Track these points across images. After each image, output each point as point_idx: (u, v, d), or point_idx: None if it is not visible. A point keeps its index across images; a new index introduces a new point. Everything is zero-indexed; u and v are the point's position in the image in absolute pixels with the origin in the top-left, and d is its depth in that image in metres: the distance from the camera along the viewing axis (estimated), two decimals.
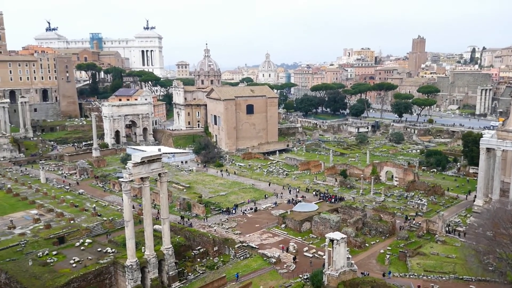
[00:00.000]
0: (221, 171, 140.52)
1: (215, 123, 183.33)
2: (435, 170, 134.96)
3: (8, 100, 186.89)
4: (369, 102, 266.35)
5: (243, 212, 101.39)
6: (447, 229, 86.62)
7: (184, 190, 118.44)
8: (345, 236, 64.62)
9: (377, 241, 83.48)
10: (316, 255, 77.66)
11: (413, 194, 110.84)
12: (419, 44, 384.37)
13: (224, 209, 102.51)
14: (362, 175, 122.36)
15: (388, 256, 75.76)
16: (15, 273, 63.46)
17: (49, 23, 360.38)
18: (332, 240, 62.45)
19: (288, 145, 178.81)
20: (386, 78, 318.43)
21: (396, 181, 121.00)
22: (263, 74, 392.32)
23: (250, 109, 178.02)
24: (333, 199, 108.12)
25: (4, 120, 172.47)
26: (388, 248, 79.67)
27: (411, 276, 68.76)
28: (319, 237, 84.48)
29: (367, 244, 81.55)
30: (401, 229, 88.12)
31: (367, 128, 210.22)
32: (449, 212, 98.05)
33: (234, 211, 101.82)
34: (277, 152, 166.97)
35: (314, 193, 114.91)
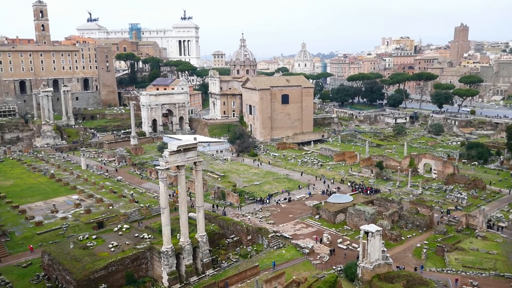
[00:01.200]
0: (255, 160, 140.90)
1: (250, 113, 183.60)
2: (476, 163, 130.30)
3: (51, 89, 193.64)
4: (407, 93, 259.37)
5: (277, 202, 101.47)
6: (488, 224, 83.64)
7: (219, 179, 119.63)
8: (380, 228, 63.55)
9: (414, 234, 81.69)
10: (350, 247, 76.84)
11: (452, 187, 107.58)
12: (462, 33, 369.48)
13: (258, 199, 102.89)
14: (399, 167, 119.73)
15: (425, 250, 73.99)
16: (57, 255, 66.10)
17: (90, 14, 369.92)
18: (367, 232, 61.56)
19: (323, 136, 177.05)
20: (426, 68, 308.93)
21: (435, 173, 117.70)
22: (298, 64, 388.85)
23: (285, 99, 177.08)
24: (368, 191, 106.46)
25: (48, 108, 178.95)
26: (425, 242, 77.82)
27: (449, 272, 66.95)
28: (354, 229, 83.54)
29: (403, 238, 79.95)
30: (438, 223, 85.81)
31: (405, 119, 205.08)
32: (491, 207, 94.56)
33: (268, 201, 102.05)
34: (312, 142, 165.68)
35: (349, 184, 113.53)
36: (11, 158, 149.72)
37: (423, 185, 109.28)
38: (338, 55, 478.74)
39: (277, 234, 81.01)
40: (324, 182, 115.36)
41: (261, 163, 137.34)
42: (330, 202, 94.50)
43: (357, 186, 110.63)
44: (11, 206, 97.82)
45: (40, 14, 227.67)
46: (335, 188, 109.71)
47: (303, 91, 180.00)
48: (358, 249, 69.26)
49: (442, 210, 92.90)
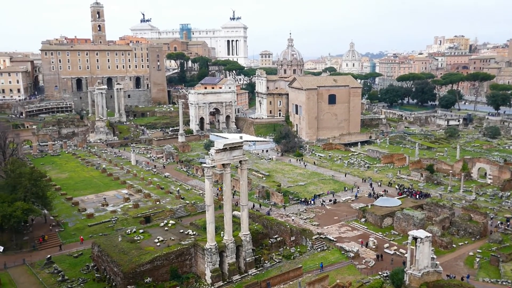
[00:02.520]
0: (300, 161, 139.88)
1: (296, 113, 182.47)
2: None
3: (105, 86, 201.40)
4: (461, 94, 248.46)
5: (322, 204, 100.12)
6: None
7: (264, 178, 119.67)
8: (430, 234, 61.06)
9: (466, 242, 77.95)
10: (397, 252, 74.44)
11: (509, 194, 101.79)
12: None
13: (303, 199, 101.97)
14: (451, 171, 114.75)
15: (478, 259, 70.39)
16: (106, 247, 68.44)
17: (143, 15, 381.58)
18: (415, 238, 59.34)
19: (370, 137, 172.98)
20: (481, 68, 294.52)
21: (490, 179, 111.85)
22: (346, 64, 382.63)
23: (332, 99, 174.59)
24: (417, 195, 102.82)
25: (102, 105, 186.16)
26: (478, 250, 74.05)
27: (504, 283, 63.32)
28: (401, 234, 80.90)
29: (454, 245, 76.48)
30: (491, 232, 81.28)
31: (458, 121, 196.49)
32: None
33: (312, 202, 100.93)
34: (359, 143, 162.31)
35: (396, 187, 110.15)
36: (66, 152, 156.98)
37: (476, 191, 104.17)
38: (387, 55, 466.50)
39: (321, 236, 79.88)
40: (371, 185, 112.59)
41: (306, 164, 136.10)
42: (377, 205, 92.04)
43: (405, 190, 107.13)
44: (65, 198, 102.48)
45: (97, 15, 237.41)
46: (382, 191, 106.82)
47: (350, 91, 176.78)
48: (405, 255, 66.98)
49: (499, 218, 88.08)
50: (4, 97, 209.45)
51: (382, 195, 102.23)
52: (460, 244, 77.29)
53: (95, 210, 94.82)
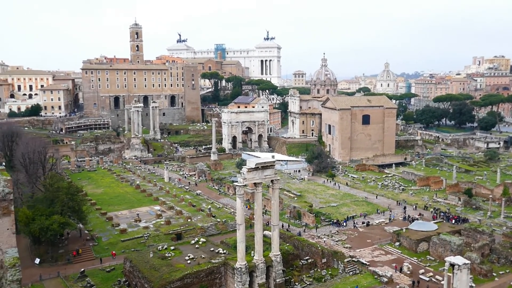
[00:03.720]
0: (333, 181, 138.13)
1: (329, 133, 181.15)
2: None
3: (141, 104, 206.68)
4: (501, 115, 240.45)
5: (355, 226, 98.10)
6: None
7: (295, 198, 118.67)
8: (468, 262, 58.51)
9: (507, 271, 74.24)
10: (433, 279, 71.66)
11: None
12: None
13: (335, 221, 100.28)
14: (490, 196, 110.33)
15: None
16: (138, 263, 69.11)
17: (180, 35, 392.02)
18: (452, 265, 56.99)
19: (405, 159, 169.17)
20: None
21: None
22: (381, 84, 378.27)
23: (366, 120, 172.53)
24: (455, 220, 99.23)
25: (138, 122, 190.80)
26: None
27: None
28: (438, 260, 77.91)
29: (494, 274, 72.95)
30: None
31: (499, 143, 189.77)
32: None
33: (345, 224, 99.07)
34: (394, 165, 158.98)
35: (432, 211, 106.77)
36: (102, 167, 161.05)
37: None
38: (423, 75, 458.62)
39: (353, 259, 78.03)
40: (405, 208, 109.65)
41: (339, 184, 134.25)
42: (412, 229, 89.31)
43: (442, 214, 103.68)
44: (100, 212, 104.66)
45: (136, 35, 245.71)
46: (418, 215, 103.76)
47: (385, 112, 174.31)
48: (442, 282, 64.39)
49: None
50: (46, 113, 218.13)
51: (417, 219, 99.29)
52: (500, 272, 73.66)
53: (128, 225, 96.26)
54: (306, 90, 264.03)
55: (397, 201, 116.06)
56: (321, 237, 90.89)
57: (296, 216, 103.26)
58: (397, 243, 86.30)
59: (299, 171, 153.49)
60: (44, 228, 75.46)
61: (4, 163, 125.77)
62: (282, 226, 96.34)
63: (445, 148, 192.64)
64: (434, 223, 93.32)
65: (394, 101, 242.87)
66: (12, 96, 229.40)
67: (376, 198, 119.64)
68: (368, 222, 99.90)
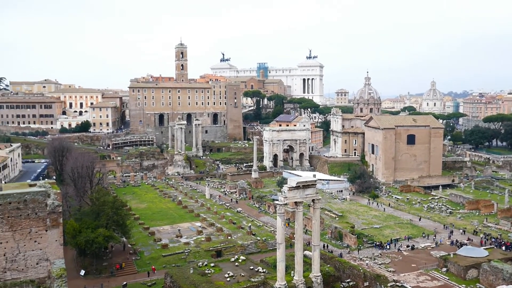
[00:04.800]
0: (376, 202, 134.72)
1: (372, 152, 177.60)
2: None
3: (185, 122, 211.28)
4: None
5: (399, 249, 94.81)
6: None
7: (337, 218, 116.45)
8: None
9: None
10: None
11: None
12: None
13: (378, 243, 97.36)
14: None
15: None
16: (178, 278, 69.60)
17: (223, 54, 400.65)
18: None
19: (453, 180, 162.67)
20: None
21: None
22: (427, 103, 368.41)
23: (411, 139, 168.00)
24: (507, 247, 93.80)
25: (181, 139, 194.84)
26: None
27: None
28: None
29: None
30: None
31: None
32: None
33: (388, 246, 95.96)
34: (440, 187, 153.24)
35: (483, 236, 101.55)
36: (146, 183, 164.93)
37: None
38: (472, 94, 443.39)
39: (397, 283, 75.12)
40: (451, 232, 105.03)
41: (382, 206, 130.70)
42: (460, 254, 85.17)
43: (493, 240, 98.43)
44: (143, 227, 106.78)
45: (181, 55, 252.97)
46: (466, 240, 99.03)
47: (431, 132, 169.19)
48: None
49: None
50: (94, 130, 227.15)
51: (466, 244, 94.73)
52: None
53: (169, 241, 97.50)
54: (348, 109, 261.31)
55: (444, 225, 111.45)
56: (363, 259, 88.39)
57: (338, 237, 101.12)
58: (444, 269, 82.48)
59: (341, 191, 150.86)
60: (90, 240, 77.70)
61: (54, 177, 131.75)
62: (324, 246, 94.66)
63: (496, 170, 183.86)
64: (484, 249, 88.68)
65: (441, 120, 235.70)
66: (64, 113, 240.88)
67: (420, 220, 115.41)
68: (413, 245, 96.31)
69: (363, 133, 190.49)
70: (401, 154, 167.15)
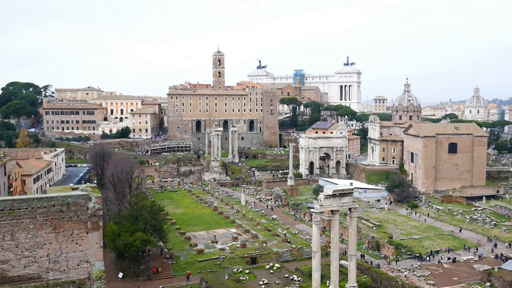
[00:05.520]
0: (415, 212, 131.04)
1: (412, 161, 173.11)
2: None
3: (221, 128, 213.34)
4: None
5: (439, 261, 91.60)
6: None
7: (374, 228, 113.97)
8: None
9: None
10: None
11: None
12: None
13: (417, 254, 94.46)
14: None
15: None
16: (213, 284, 69.97)
17: (260, 61, 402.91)
18: None
19: (498, 191, 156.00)
20: None
21: None
22: (470, 110, 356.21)
23: (452, 148, 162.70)
24: None
25: (217, 146, 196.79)
26: None
27: None
28: None
29: None
30: None
31: None
32: None
33: (428, 258, 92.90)
34: (484, 198, 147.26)
35: None
36: (183, 188, 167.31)
37: None
38: None
39: None
40: (496, 245, 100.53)
41: (422, 216, 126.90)
42: (506, 269, 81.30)
43: None
44: (179, 232, 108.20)
45: (218, 62, 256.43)
46: None
47: (474, 140, 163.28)
48: None
49: None
50: (134, 135, 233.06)
51: (511, 258, 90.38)
52: None
53: (205, 246, 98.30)
54: (387, 116, 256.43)
55: (488, 237, 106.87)
56: (401, 271, 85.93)
57: (375, 247, 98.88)
58: (488, 284, 78.96)
59: (379, 200, 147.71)
60: (128, 244, 79.38)
61: (95, 181, 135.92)
62: (362, 256, 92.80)
63: None
64: None
65: (484, 128, 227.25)
66: (105, 119, 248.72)
67: (460, 232, 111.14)
68: (455, 258, 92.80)
69: (402, 141, 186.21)
70: (442, 163, 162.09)
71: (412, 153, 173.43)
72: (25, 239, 58.40)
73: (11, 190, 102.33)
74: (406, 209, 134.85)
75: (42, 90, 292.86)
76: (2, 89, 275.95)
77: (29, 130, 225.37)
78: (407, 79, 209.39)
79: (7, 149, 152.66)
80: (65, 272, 60.77)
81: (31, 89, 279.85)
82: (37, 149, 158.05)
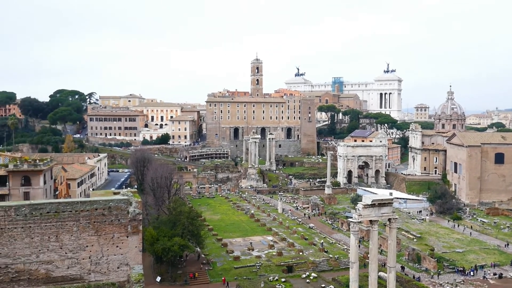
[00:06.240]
0: (459, 225, 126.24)
1: (455, 171, 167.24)
2: None
3: (259, 136, 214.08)
4: None
5: (484, 277, 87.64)
6: None
7: (414, 239, 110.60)
8: None
9: None
10: None
11: None
12: None
13: (460, 268, 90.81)
14: None
15: None
16: None
17: (298, 69, 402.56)
18: None
19: None
20: None
21: None
22: None
23: (499, 158, 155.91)
24: None
25: (255, 153, 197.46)
26: None
27: None
28: None
29: None
30: None
31: None
32: None
33: (472, 273, 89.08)
34: None
35: None
36: (220, 195, 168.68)
37: None
38: None
39: None
40: None
41: (466, 229, 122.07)
42: None
43: None
44: (216, 238, 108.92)
45: (256, 70, 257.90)
46: None
47: None
48: None
49: None
50: (173, 142, 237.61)
51: None
52: None
53: (241, 253, 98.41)
54: (429, 124, 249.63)
55: None
56: (443, 285, 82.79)
57: (415, 259, 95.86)
58: None
59: (420, 211, 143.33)
60: (166, 248, 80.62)
61: (136, 186, 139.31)
62: (402, 269, 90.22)
63: None
64: None
65: None
66: (146, 125, 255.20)
67: (507, 246, 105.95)
68: (501, 273, 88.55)
69: (445, 150, 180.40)
70: (488, 174, 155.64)
71: (455, 163, 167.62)
72: (68, 240, 60.54)
73: (56, 193, 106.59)
74: (448, 221, 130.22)
75: (87, 97, 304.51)
76: (50, 96, 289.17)
77: (74, 136, 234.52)
78: (450, 86, 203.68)
79: (54, 154, 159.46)
80: (105, 274, 62.44)
81: (76, 96, 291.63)
82: (82, 154, 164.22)
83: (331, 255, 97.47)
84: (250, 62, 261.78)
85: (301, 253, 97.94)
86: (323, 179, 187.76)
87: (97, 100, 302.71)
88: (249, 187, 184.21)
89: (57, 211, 59.67)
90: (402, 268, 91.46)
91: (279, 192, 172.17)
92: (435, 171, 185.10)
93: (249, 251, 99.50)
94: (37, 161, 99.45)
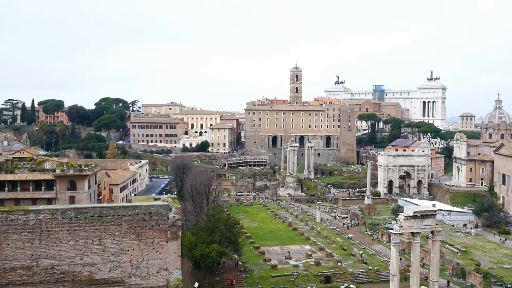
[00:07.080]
0: (507, 239, 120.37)
1: (503, 183, 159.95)
2: None
3: (297, 144, 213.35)
4: None
5: None
6: None
7: (459, 253, 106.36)
8: None
9: None
10: None
11: None
12: None
13: (508, 285, 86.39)
14: None
15: None
16: None
17: (338, 77, 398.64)
18: None
19: None
20: None
21: None
22: None
23: None
24: None
25: (293, 161, 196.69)
26: None
27: None
28: None
29: None
30: None
31: None
32: None
33: None
34: None
35: None
36: (258, 203, 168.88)
37: None
38: None
39: None
40: None
41: None
42: None
43: None
44: (253, 246, 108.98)
45: (295, 78, 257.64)
46: None
47: None
48: None
49: None
50: (212, 149, 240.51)
51: None
52: None
53: (278, 262, 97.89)
54: (474, 134, 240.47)
55: None
56: None
57: (460, 274, 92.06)
58: None
59: (465, 224, 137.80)
60: (205, 255, 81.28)
61: (175, 192, 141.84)
62: (448, 284, 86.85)
63: None
64: None
65: None
66: (186, 133, 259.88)
67: None
68: None
69: (492, 161, 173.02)
70: None
71: (503, 175, 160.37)
72: (111, 244, 62.28)
73: (100, 198, 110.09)
74: (495, 235, 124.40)
75: (130, 105, 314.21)
76: (95, 104, 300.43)
77: (118, 142, 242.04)
78: (498, 94, 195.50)
79: (98, 160, 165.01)
80: (145, 278, 63.71)
81: (120, 104, 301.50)
82: (124, 160, 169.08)
83: (370, 267, 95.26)
84: (289, 70, 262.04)
85: (339, 264, 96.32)
86: (362, 189, 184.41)
87: (139, 108, 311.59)
88: (287, 195, 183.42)
89: (100, 215, 61.63)
90: (448, 283, 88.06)
91: (317, 201, 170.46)
92: (482, 182, 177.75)
93: (287, 260, 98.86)
94: (83, 166, 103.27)
